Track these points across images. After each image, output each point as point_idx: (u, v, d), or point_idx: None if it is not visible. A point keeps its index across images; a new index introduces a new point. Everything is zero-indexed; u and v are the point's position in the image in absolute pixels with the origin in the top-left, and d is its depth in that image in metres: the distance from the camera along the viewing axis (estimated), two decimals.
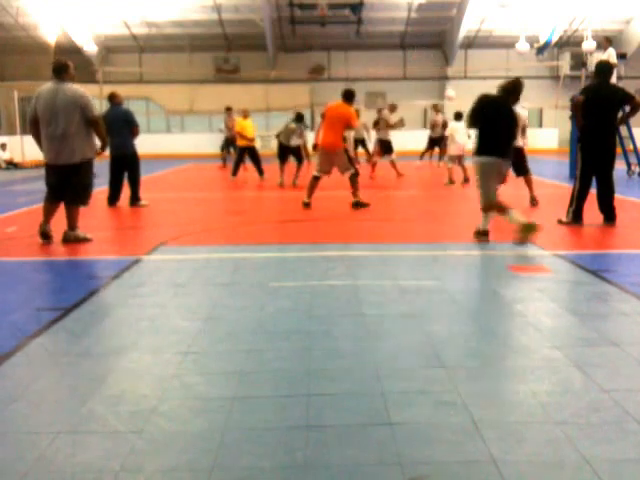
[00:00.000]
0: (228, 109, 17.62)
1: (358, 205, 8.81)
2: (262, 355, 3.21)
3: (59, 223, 6.55)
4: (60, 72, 6.38)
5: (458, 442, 2.31)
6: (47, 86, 6.39)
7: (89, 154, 6.51)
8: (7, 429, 2.46)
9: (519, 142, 9.12)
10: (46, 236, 6.45)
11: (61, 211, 6.61)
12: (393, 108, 14.89)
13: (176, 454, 2.26)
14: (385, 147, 14.36)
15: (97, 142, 6.72)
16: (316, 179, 8.97)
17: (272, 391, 2.79)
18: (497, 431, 2.38)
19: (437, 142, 16.85)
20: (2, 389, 2.86)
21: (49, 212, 6.54)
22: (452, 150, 13.03)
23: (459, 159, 13.10)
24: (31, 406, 2.66)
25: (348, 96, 9.01)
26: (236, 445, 2.32)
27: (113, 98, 9.82)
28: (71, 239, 6.48)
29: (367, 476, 2.12)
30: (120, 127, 9.53)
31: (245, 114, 14.38)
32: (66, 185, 6.47)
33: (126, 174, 9.79)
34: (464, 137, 13.02)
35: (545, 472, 2.12)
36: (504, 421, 2.46)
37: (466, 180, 12.89)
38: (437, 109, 17.35)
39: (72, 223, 6.53)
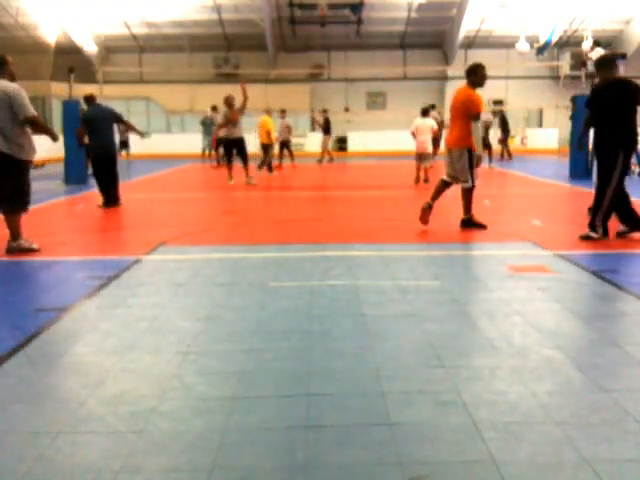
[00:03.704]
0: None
1: (470, 224, 6.99)
2: (262, 355, 3.21)
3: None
4: None
5: (458, 442, 2.30)
6: None
7: (22, 155, 5.78)
8: (7, 429, 2.46)
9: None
10: None
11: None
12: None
13: (176, 454, 2.25)
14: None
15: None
16: (458, 185, 7.12)
17: (272, 391, 2.79)
18: (497, 431, 2.38)
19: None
20: (2, 389, 2.86)
21: None
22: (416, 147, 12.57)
23: (419, 157, 12.43)
24: (31, 406, 2.66)
25: (471, 75, 6.88)
26: (236, 445, 2.31)
27: (91, 98, 9.79)
28: (15, 250, 5.83)
29: (367, 476, 2.11)
30: (103, 127, 9.37)
31: (268, 111, 15.30)
32: None
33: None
34: (425, 135, 12.38)
35: (545, 472, 2.12)
36: (504, 421, 2.46)
37: (426, 180, 12.16)
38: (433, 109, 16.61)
39: (14, 232, 5.87)
